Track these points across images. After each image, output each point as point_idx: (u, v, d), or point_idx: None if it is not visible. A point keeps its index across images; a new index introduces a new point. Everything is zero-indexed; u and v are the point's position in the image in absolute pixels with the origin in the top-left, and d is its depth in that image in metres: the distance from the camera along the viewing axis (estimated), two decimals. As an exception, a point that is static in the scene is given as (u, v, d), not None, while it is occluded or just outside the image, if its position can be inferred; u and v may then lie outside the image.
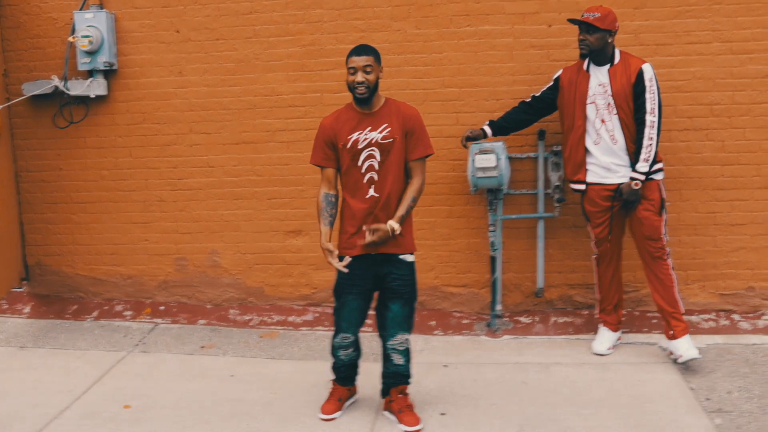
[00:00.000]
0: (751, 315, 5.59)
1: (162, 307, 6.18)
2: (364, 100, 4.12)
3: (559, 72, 5.21)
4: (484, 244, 5.76)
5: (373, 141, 4.11)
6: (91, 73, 6.01)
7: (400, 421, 4.27)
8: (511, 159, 5.63)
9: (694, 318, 5.50)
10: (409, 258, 4.23)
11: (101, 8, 5.95)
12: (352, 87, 4.10)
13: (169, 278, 6.20)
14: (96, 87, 5.99)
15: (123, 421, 4.42)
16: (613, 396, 4.58)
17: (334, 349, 4.37)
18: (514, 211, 5.73)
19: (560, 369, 4.99)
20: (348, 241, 4.19)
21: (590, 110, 4.98)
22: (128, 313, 6.17)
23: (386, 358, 4.32)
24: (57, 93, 6.04)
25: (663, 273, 4.97)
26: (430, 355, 5.29)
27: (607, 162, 4.97)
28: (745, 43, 5.44)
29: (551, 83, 5.23)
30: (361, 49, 4.13)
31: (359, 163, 4.13)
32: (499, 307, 5.73)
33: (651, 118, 4.82)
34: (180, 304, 6.20)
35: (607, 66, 4.95)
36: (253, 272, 6.10)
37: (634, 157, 4.88)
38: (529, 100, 5.32)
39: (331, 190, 4.25)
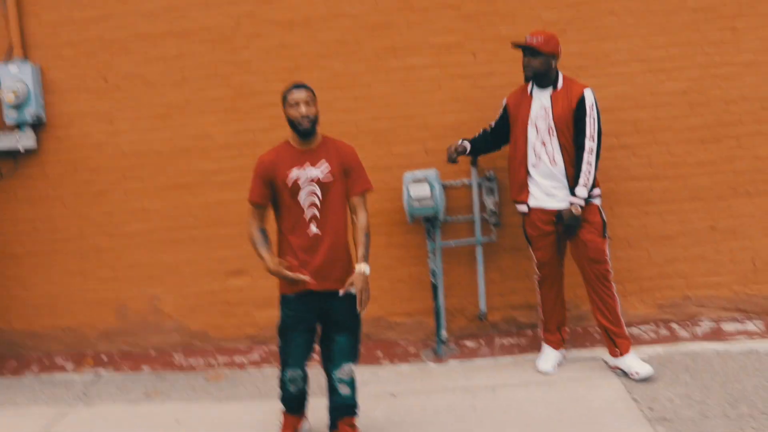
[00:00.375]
0: (689, 323, 5.72)
1: (104, 357, 6.06)
2: (308, 133, 4.16)
3: (504, 100, 5.29)
4: (425, 272, 5.81)
5: (314, 178, 4.14)
6: (19, 127, 5.93)
7: None
8: (445, 186, 5.71)
9: (634, 330, 5.61)
10: (352, 290, 4.18)
11: (26, 60, 5.91)
12: (296, 121, 4.13)
13: (111, 327, 6.09)
14: (24, 140, 5.91)
15: (67, 476, 4.32)
16: (560, 413, 4.63)
17: (284, 384, 4.33)
18: (452, 238, 5.80)
19: (508, 390, 5.02)
20: (286, 280, 4.17)
21: (531, 132, 5.04)
22: (69, 365, 6.04)
23: (332, 390, 4.31)
24: (-16, 148, 5.95)
25: (608, 294, 5.06)
26: (378, 385, 5.28)
27: (546, 185, 5.02)
28: (661, 62, 5.64)
29: (501, 111, 5.29)
30: (300, 85, 4.23)
31: (300, 200, 4.15)
32: (444, 333, 5.76)
33: (590, 144, 4.89)
34: (123, 352, 6.09)
35: (550, 89, 5.02)
36: (196, 315, 6.03)
37: (573, 182, 4.94)
38: (488, 129, 5.39)
39: (263, 225, 4.26)
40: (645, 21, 5.64)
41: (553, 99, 4.99)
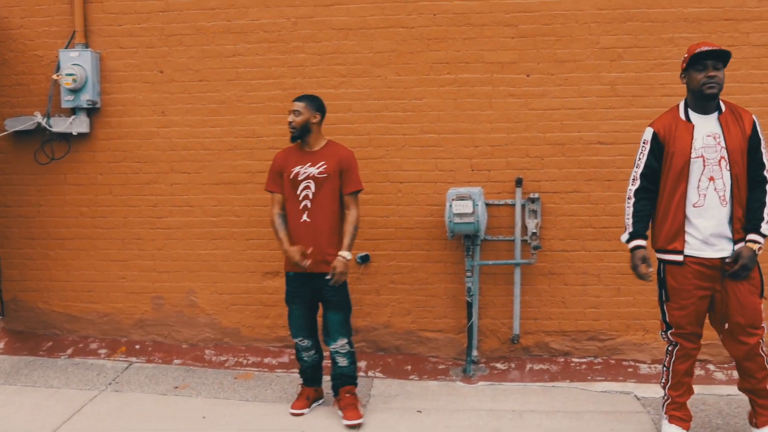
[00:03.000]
0: (726, 366, 5.60)
1: (137, 346, 6.15)
2: (293, 138, 4.86)
3: (650, 130, 4.30)
4: (461, 290, 5.78)
5: (310, 175, 4.78)
6: (74, 111, 6.05)
7: (344, 417, 4.84)
8: (488, 205, 5.68)
9: (668, 367, 5.51)
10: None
11: (86, 47, 6.02)
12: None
13: (146, 317, 6.18)
14: (78, 124, 6.03)
15: (90, 463, 4.38)
16: (585, 445, 4.58)
17: (298, 352, 5.01)
18: (491, 257, 5.76)
19: (534, 417, 4.97)
20: (288, 259, 4.84)
21: (696, 166, 4.13)
22: (103, 351, 6.13)
23: (333, 361, 4.95)
24: (39, 129, 6.07)
25: (760, 368, 4.26)
26: (405, 400, 5.26)
27: (707, 230, 4.14)
28: (719, 97, 5.52)
29: (649, 146, 4.28)
30: (298, 97, 4.91)
31: (297, 192, 4.80)
32: (475, 352, 5.73)
33: None
34: (156, 343, 6.17)
35: (716, 113, 4.19)
36: (230, 313, 6.08)
37: (745, 222, 4.15)
38: (636, 185, 4.32)
39: (281, 211, 4.91)
40: (706, 53, 5.53)
41: (723, 123, 4.14)
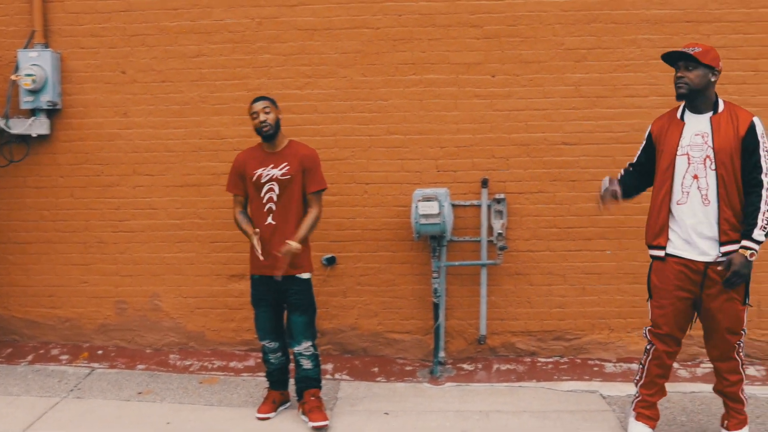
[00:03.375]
0: (689, 363, 5.67)
1: (100, 351, 6.06)
2: (270, 137, 4.75)
3: (649, 128, 4.46)
4: (427, 291, 5.78)
5: (274, 177, 4.72)
6: (33, 112, 5.94)
7: (309, 420, 4.78)
8: (454, 206, 5.69)
9: (634, 366, 5.56)
10: (305, 276, 4.81)
11: (46, 47, 5.91)
12: (258, 129, 4.73)
13: (109, 321, 6.09)
14: (38, 126, 5.92)
15: (52, 471, 4.30)
16: (552, 445, 4.59)
17: (265, 355, 4.98)
18: (457, 258, 5.77)
19: (501, 417, 4.98)
20: (253, 262, 4.81)
21: (681, 163, 4.18)
22: (65, 357, 6.02)
23: (297, 364, 4.91)
24: (-2, 131, 5.96)
25: (732, 370, 4.33)
26: (372, 402, 5.24)
27: (689, 229, 4.16)
28: (681, 97, 5.58)
29: (644, 142, 4.46)
30: (258, 98, 4.80)
31: (261, 194, 4.74)
32: (442, 353, 5.73)
33: (767, 180, 4.07)
34: (119, 348, 6.08)
35: (709, 114, 4.18)
36: (195, 316, 6.02)
37: (734, 223, 4.10)
38: (629, 167, 4.58)
39: (243, 210, 4.93)
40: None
41: (714, 123, 4.12)
